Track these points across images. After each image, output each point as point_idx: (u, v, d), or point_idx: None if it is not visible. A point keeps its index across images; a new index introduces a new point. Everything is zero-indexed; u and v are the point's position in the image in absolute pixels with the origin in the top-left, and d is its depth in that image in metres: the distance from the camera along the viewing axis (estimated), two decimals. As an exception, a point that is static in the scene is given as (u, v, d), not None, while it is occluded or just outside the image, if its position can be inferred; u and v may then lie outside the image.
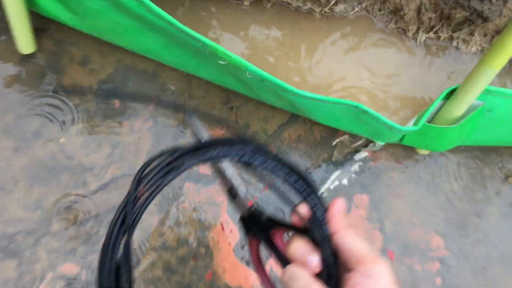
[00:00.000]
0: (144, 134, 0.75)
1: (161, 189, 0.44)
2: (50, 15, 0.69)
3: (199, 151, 0.43)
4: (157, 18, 0.56)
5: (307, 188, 0.43)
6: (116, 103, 0.75)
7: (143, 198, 0.44)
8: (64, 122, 0.72)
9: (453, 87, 0.70)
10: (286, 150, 0.78)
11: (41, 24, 0.74)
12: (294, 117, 0.80)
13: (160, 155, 0.44)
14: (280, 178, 0.43)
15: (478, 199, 0.82)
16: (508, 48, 0.59)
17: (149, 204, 0.44)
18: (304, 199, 0.43)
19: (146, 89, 0.76)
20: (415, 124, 0.70)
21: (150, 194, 0.44)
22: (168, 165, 0.44)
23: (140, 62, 0.77)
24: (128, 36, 0.66)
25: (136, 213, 0.44)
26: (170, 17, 0.55)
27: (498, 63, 0.62)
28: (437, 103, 0.70)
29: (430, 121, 0.72)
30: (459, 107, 0.69)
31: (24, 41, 0.71)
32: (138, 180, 0.45)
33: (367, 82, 0.77)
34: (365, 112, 0.64)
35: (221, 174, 0.49)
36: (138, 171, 0.45)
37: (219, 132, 0.77)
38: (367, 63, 0.79)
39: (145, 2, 0.55)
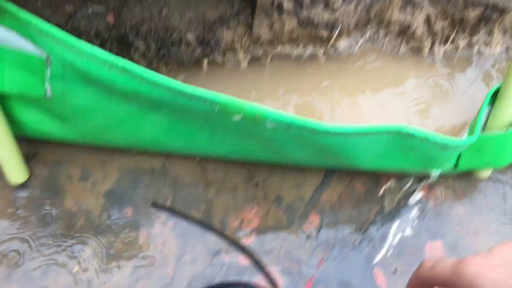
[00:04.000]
0: (167, 238, 0.64)
1: None
2: (37, 132, 0.62)
3: None
4: (153, 86, 0.49)
5: None
6: (129, 212, 0.65)
7: None
8: (70, 246, 0.62)
9: (495, 87, 0.61)
10: (330, 214, 0.67)
11: (28, 151, 0.67)
12: (328, 176, 0.70)
13: None
14: None
15: None
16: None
17: None
18: None
19: (157, 188, 0.67)
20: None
21: None
22: None
23: (145, 161, 0.69)
24: (126, 127, 0.59)
25: None
26: (167, 78, 0.48)
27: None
28: (484, 109, 0.62)
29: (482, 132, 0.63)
30: (508, 109, 0.61)
31: (15, 171, 0.63)
32: None
33: (400, 113, 0.69)
34: (410, 135, 0.55)
35: None
36: None
37: (251, 214, 0.66)
38: (390, 97, 0.71)
39: (135, 71, 0.48)
